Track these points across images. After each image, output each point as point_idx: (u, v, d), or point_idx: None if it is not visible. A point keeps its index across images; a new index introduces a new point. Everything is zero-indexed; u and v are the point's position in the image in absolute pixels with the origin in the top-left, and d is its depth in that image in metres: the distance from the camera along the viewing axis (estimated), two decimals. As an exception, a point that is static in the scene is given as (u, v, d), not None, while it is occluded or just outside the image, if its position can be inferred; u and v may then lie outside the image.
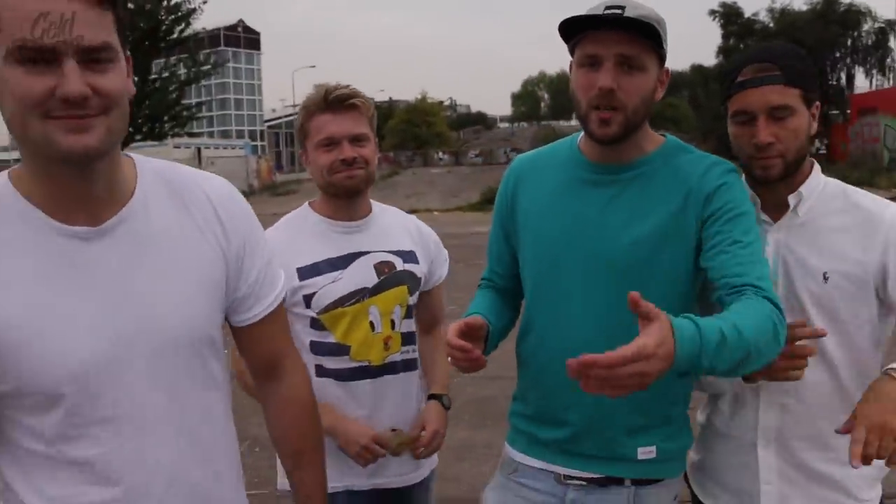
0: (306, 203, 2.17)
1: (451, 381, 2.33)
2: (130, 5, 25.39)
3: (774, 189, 1.74)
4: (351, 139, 2.02)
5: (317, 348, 2.08)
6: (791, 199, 1.73)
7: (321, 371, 2.08)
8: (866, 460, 1.43)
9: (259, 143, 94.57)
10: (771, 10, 39.50)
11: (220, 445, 1.42)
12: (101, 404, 1.23)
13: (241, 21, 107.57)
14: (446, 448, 2.29)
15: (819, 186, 1.76)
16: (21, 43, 1.07)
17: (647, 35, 1.58)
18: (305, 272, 2.05)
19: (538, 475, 1.79)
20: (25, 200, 1.19)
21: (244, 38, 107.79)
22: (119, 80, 1.17)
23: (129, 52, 1.22)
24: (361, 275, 2.08)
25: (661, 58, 1.65)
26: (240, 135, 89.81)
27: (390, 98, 78.35)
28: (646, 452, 1.70)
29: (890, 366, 1.55)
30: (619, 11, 1.55)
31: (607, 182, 1.71)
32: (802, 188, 1.74)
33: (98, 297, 1.22)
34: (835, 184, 1.79)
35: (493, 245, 1.96)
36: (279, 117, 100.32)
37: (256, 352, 1.51)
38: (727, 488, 1.86)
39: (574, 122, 8.88)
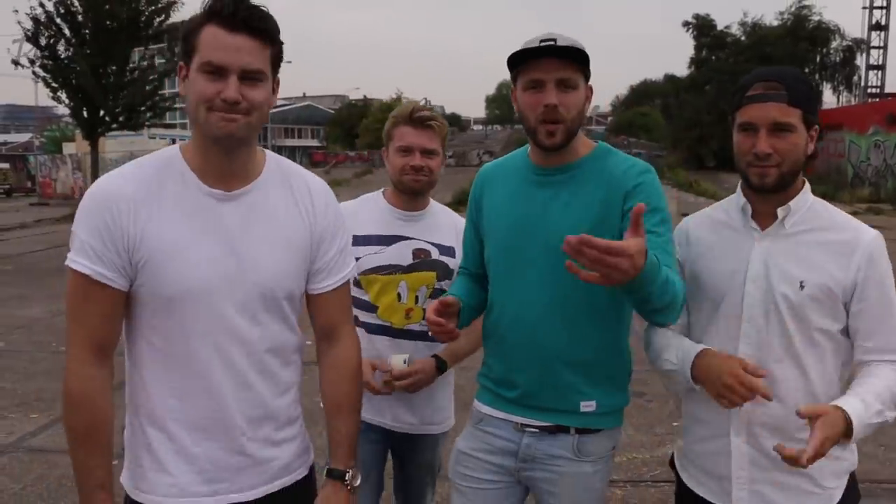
0: (381, 190, 2.72)
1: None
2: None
3: (766, 200, 1.92)
4: (423, 151, 2.54)
5: (356, 302, 2.51)
6: (780, 211, 1.91)
7: (356, 321, 2.48)
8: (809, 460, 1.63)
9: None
10: (743, 24, 40.21)
11: (284, 375, 1.85)
12: (202, 317, 1.69)
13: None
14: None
15: (807, 203, 1.93)
16: (209, 60, 1.60)
17: (577, 60, 1.95)
18: (358, 240, 2.56)
19: (500, 424, 2.13)
20: (187, 166, 1.71)
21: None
22: (263, 94, 1.67)
23: (275, 75, 1.71)
24: (399, 254, 2.58)
25: (587, 77, 2.02)
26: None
27: (365, 96, 78.18)
28: (587, 406, 2.04)
29: (841, 403, 1.75)
30: (552, 42, 1.93)
31: (550, 182, 2.07)
32: (792, 203, 1.91)
33: (219, 242, 1.70)
34: (820, 203, 1.96)
35: (467, 239, 2.32)
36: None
37: (320, 317, 1.93)
38: (709, 474, 2.03)
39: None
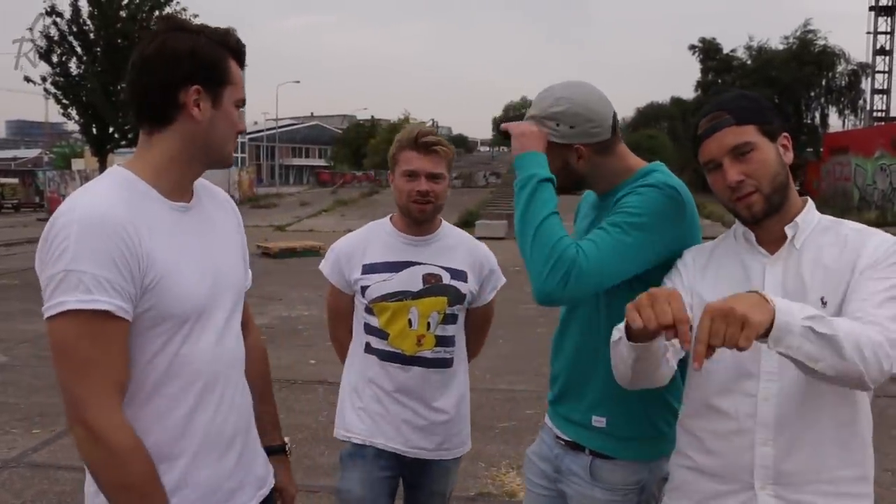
0: (388, 216, 2.69)
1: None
2: (122, 13, 25.49)
3: (767, 227, 1.78)
4: (428, 176, 2.50)
5: (368, 329, 2.61)
6: (788, 230, 1.76)
7: (368, 348, 2.61)
8: (711, 351, 1.41)
9: (240, 155, 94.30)
10: (748, 48, 40.46)
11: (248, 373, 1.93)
12: (206, 327, 1.71)
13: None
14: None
15: (814, 221, 1.80)
16: (243, 98, 1.76)
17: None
18: (367, 269, 2.59)
19: (548, 431, 2.25)
20: (148, 185, 1.68)
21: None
22: None
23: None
24: (408, 281, 2.56)
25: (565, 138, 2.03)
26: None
27: (373, 117, 78.63)
28: (598, 421, 2.06)
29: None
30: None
31: (599, 206, 2.14)
32: (798, 219, 1.77)
33: (198, 251, 1.72)
34: (828, 219, 1.82)
35: None
36: (261, 130, 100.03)
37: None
38: None
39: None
